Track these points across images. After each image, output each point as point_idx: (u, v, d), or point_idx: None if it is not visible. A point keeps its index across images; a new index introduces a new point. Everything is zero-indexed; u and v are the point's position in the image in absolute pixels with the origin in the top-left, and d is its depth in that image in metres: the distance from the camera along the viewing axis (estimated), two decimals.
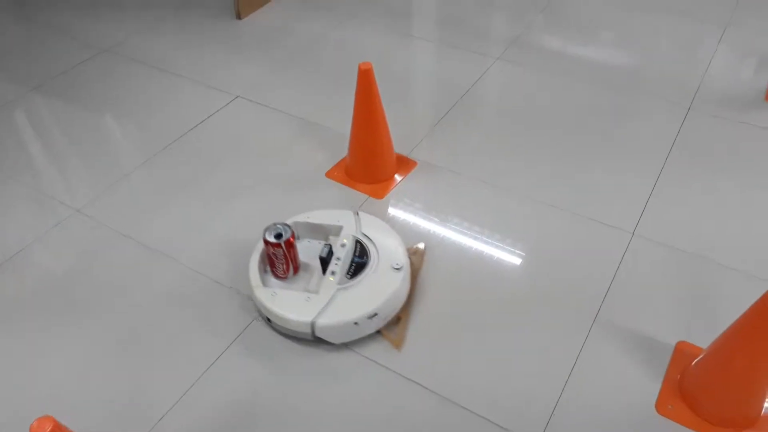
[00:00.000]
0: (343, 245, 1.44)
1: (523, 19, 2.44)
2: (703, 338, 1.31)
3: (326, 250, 1.42)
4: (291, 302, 1.35)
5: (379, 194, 1.72)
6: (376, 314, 1.34)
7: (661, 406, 1.24)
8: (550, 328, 1.39)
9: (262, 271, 1.44)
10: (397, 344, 1.35)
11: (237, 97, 2.09)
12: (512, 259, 1.54)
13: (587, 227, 1.62)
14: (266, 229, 1.38)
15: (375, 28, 2.41)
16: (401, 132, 1.90)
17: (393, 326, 1.39)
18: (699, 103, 1.99)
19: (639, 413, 1.23)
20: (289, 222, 1.47)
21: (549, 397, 1.26)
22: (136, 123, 2.00)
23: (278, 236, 1.37)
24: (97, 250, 1.59)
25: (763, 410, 1.21)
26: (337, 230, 1.51)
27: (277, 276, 1.43)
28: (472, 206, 1.68)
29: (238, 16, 2.48)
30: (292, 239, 1.37)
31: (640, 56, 2.22)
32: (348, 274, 1.39)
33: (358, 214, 1.54)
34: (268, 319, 1.38)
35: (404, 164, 1.81)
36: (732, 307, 1.23)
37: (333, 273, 1.39)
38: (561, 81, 2.12)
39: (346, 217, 1.52)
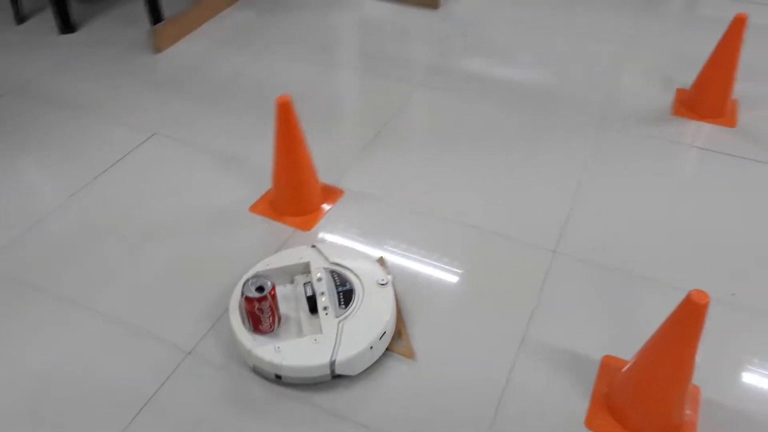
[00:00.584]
0: (319, 279, 1.41)
1: (442, 46, 2.49)
2: (628, 350, 1.34)
3: (308, 288, 1.38)
4: (302, 351, 1.30)
5: (307, 226, 1.70)
6: (384, 333, 1.34)
7: (590, 422, 1.26)
8: (478, 351, 1.39)
9: (247, 330, 1.34)
10: (410, 354, 1.37)
11: (154, 134, 2.03)
12: (448, 277, 1.55)
13: (510, 247, 1.64)
14: (244, 286, 1.30)
15: (297, 60, 2.41)
16: (327, 161, 1.89)
17: (397, 340, 1.39)
18: (610, 120, 2.08)
19: (570, 431, 1.25)
20: (249, 275, 1.39)
21: (482, 420, 1.26)
22: (47, 166, 1.92)
23: (260, 289, 1.29)
24: (9, 303, 1.50)
25: (685, 416, 1.25)
26: (305, 267, 1.46)
27: (261, 332, 1.33)
28: (401, 230, 1.68)
29: (156, 51, 2.42)
30: (274, 289, 1.31)
31: (554, 77, 2.30)
32: (340, 305, 1.37)
33: (315, 246, 1.51)
34: (278, 376, 1.30)
35: (331, 194, 1.80)
36: (653, 317, 1.27)
37: (326, 308, 1.36)
38: (480, 104, 2.16)
39: (306, 252, 1.49)
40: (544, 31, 2.58)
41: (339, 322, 1.33)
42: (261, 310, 1.30)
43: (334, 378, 1.32)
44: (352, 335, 1.32)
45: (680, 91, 2.19)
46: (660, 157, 1.94)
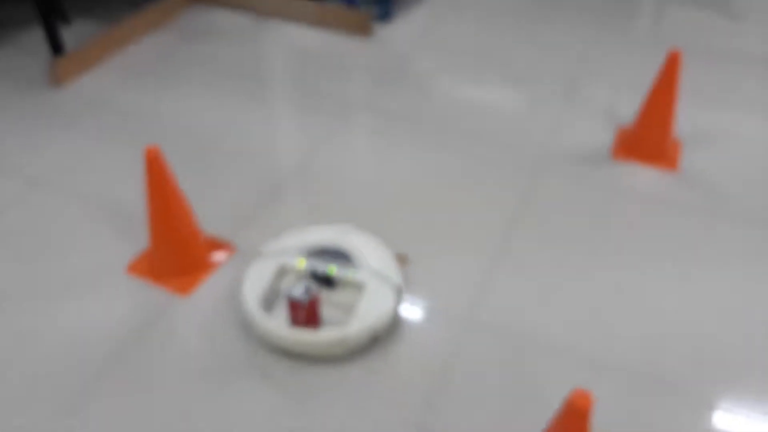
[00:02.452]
0: (308, 286, 1.36)
1: (372, 79, 2.32)
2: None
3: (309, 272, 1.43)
4: (371, 306, 1.36)
5: (186, 289, 1.50)
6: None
7: None
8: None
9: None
10: (404, 259, 1.53)
11: (38, 179, 1.82)
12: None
13: (422, 315, 1.45)
14: (294, 294, 1.32)
15: (211, 93, 2.21)
16: (222, 211, 1.70)
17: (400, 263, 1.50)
18: (546, 164, 1.90)
19: None
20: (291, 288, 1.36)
21: None
22: None
23: (309, 289, 1.33)
24: None
25: None
26: (280, 272, 1.46)
27: (316, 326, 1.36)
28: None
29: (55, 85, 2.22)
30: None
31: (489, 119, 2.12)
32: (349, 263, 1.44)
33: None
34: (375, 338, 1.36)
35: (218, 250, 1.60)
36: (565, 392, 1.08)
37: (348, 269, 1.41)
38: (407, 144, 1.98)
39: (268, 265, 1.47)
40: (480, 61, 2.41)
41: (370, 272, 1.40)
42: (318, 305, 1.35)
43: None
44: (384, 267, 1.43)
45: (621, 130, 2.02)
46: (593, 208, 1.76)
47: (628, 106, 2.14)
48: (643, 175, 1.86)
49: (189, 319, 1.44)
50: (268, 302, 1.40)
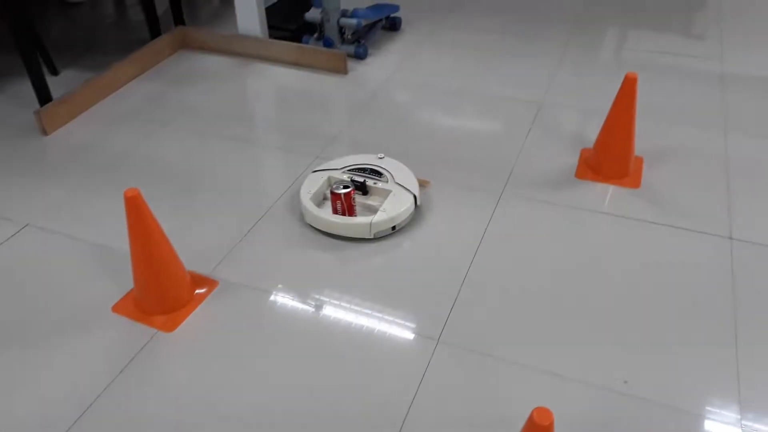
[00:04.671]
0: (346, 183, 1.81)
1: (347, 115, 2.41)
2: None
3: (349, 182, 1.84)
4: (394, 205, 1.80)
5: (171, 326, 1.56)
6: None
7: None
8: None
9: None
10: (425, 183, 1.97)
11: (26, 225, 1.89)
12: (323, 378, 1.41)
13: (390, 336, 1.51)
14: (335, 187, 1.76)
15: (196, 135, 2.30)
16: (203, 248, 1.77)
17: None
18: (514, 185, 1.98)
19: None
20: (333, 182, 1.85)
21: None
22: None
23: (346, 186, 1.76)
24: None
25: None
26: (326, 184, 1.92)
27: (353, 215, 1.79)
28: (278, 326, 1.55)
29: (44, 133, 2.31)
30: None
31: (463, 146, 2.21)
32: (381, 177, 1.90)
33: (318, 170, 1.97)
34: (393, 228, 1.78)
35: (203, 286, 1.66)
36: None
37: (376, 181, 1.88)
38: None
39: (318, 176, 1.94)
40: (452, 93, 2.51)
41: (394, 184, 1.86)
42: (353, 199, 1.77)
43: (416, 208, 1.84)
44: (407, 184, 1.86)
45: (584, 151, 2.11)
46: (559, 225, 1.84)
47: (593, 128, 2.23)
48: (606, 194, 1.94)
49: (174, 353, 1.50)
50: (318, 199, 1.87)
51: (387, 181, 1.88)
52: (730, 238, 1.76)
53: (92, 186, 2.06)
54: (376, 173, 1.90)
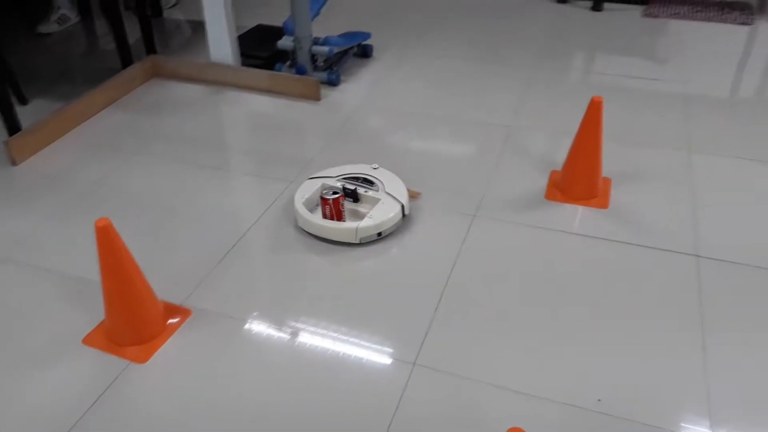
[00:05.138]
0: (342, 184, 1.97)
1: (320, 140, 2.43)
2: None
3: (341, 189, 1.94)
4: (382, 213, 1.88)
5: (143, 357, 1.54)
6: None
7: None
8: None
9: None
10: (415, 194, 2.04)
11: None
12: (303, 397, 1.40)
13: (366, 361, 1.51)
14: (324, 193, 1.86)
15: (167, 163, 2.29)
16: (176, 277, 1.76)
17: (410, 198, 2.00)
18: (484, 208, 2.01)
19: None
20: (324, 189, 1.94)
21: None
22: None
23: (336, 192, 1.87)
24: None
25: None
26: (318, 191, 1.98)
27: (342, 220, 1.89)
28: (252, 355, 1.54)
29: (12, 163, 2.28)
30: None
31: (435, 169, 2.24)
32: (372, 186, 1.98)
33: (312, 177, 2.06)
34: (379, 234, 1.86)
35: (176, 315, 1.65)
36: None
37: (368, 189, 1.96)
38: None
39: (311, 184, 2.03)
40: (424, 118, 2.55)
41: (383, 193, 1.94)
42: (342, 205, 1.86)
43: (403, 218, 1.92)
44: (396, 193, 1.94)
45: (553, 173, 2.15)
46: (530, 246, 1.86)
47: (561, 151, 2.27)
48: (575, 215, 1.98)
49: (147, 385, 1.48)
50: (311, 205, 1.95)
51: (378, 190, 1.95)
52: (697, 255, 1.81)
53: (62, 216, 2.04)
54: (368, 182, 1.99)
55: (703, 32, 3.28)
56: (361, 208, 1.95)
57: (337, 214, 1.87)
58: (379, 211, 1.88)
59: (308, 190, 1.98)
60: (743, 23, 3.36)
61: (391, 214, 1.87)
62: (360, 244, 1.86)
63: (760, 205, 2.01)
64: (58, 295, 1.73)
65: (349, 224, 1.85)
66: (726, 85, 2.76)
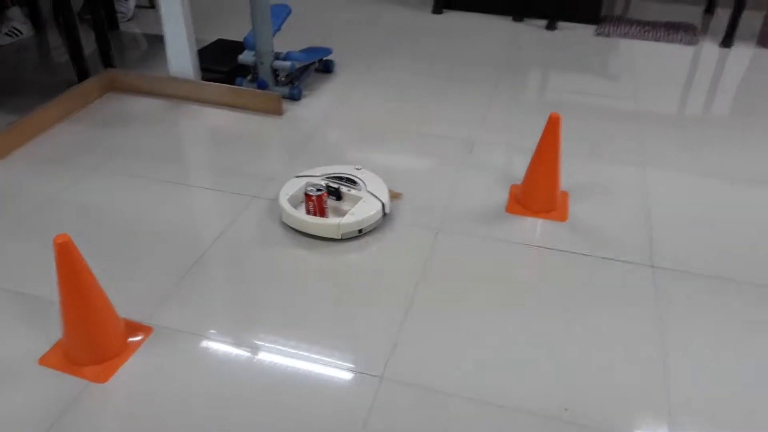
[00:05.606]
0: (326, 182, 2.05)
1: (282, 155, 2.42)
2: None
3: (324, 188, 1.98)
4: (365, 210, 1.96)
5: (103, 377, 1.50)
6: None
7: None
8: None
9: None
10: (397, 195, 2.14)
11: None
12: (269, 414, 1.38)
13: (333, 377, 1.51)
14: (309, 190, 1.94)
15: (120, 178, 2.25)
16: (138, 294, 1.72)
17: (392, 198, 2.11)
18: (447, 222, 2.04)
19: None
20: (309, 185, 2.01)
21: None
22: None
23: (320, 189, 1.94)
24: None
25: None
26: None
27: (325, 216, 1.96)
28: (215, 372, 1.51)
29: None
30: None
31: (397, 183, 2.25)
32: (355, 185, 2.07)
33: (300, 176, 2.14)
34: (360, 231, 1.94)
35: (137, 333, 1.61)
36: None
37: (351, 188, 2.04)
38: None
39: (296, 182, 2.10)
40: (385, 132, 2.57)
41: (365, 191, 2.03)
42: (325, 201, 1.94)
43: (384, 216, 2.01)
44: (377, 192, 2.03)
45: (514, 187, 2.20)
46: (492, 259, 1.89)
47: (521, 165, 2.32)
48: (535, 227, 2.02)
49: (107, 405, 1.43)
50: (296, 202, 2.02)
51: (360, 189, 2.04)
52: (652, 266, 1.87)
53: (16, 234, 1.97)
54: (351, 182, 2.07)
55: (652, 51, 3.42)
56: (343, 206, 2.01)
57: (320, 211, 1.94)
58: (360, 209, 1.95)
59: (293, 187, 2.05)
60: (689, 43, 3.52)
61: (372, 212, 1.95)
62: (341, 240, 1.94)
63: (710, 216, 2.09)
64: (11, 315, 1.67)
65: (331, 220, 1.93)
66: (674, 101, 2.88)
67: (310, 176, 2.09)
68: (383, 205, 1.98)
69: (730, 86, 3.06)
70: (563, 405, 1.45)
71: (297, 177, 2.11)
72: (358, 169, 2.13)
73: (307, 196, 1.94)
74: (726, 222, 2.07)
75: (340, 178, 2.08)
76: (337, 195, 2.03)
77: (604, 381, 1.51)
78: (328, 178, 2.07)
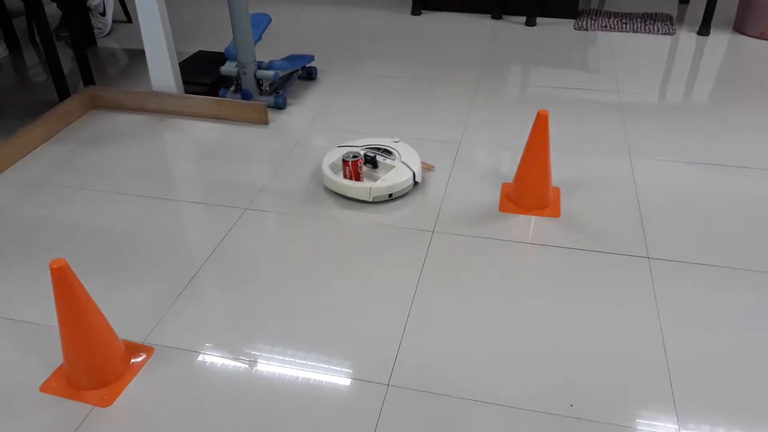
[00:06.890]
0: (364, 152, 2.25)
1: (269, 165, 2.41)
2: None
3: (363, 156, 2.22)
4: (395, 177, 2.16)
5: (107, 400, 1.48)
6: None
7: None
8: None
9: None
10: (430, 166, 2.34)
11: None
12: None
13: (338, 386, 1.50)
14: (346, 156, 2.15)
15: (108, 197, 2.23)
16: (135, 314, 1.70)
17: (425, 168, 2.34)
18: (441, 224, 2.04)
19: None
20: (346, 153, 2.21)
21: None
22: None
23: (356, 156, 2.15)
24: None
25: None
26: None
27: (360, 180, 2.18)
28: (219, 389, 1.50)
29: None
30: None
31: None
32: (390, 155, 2.27)
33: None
34: (390, 195, 2.14)
35: (138, 354, 1.59)
36: None
37: (386, 157, 2.25)
38: (311, 228, 2.07)
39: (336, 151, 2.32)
40: (372, 137, 2.57)
41: (399, 161, 2.22)
42: (360, 167, 2.16)
43: (414, 185, 2.22)
44: (410, 163, 2.22)
45: (505, 185, 2.21)
46: (489, 258, 1.90)
47: (510, 163, 2.34)
48: (529, 225, 2.04)
49: (113, 430, 1.42)
50: (337, 168, 2.22)
51: (394, 159, 2.23)
52: (647, 257, 1.89)
53: (6, 259, 1.94)
54: (388, 152, 2.26)
55: (630, 43, 3.46)
56: (378, 173, 2.21)
57: (355, 175, 2.14)
58: (392, 176, 2.15)
59: (335, 155, 2.26)
60: (666, 33, 3.56)
61: (403, 179, 2.14)
62: (373, 203, 2.14)
63: (699, 203, 2.12)
64: (7, 343, 1.64)
65: (364, 183, 2.12)
66: (655, 92, 2.91)
67: (351, 146, 2.28)
68: (414, 173, 2.16)
69: (710, 73, 3.10)
70: (568, 401, 1.46)
71: (339, 147, 2.31)
72: (396, 141, 2.33)
73: (344, 161, 2.14)
74: (715, 209, 2.10)
75: (378, 149, 2.27)
76: (373, 163, 2.22)
77: (608, 375, 1.52)
78: (366, 148, 2.26)
